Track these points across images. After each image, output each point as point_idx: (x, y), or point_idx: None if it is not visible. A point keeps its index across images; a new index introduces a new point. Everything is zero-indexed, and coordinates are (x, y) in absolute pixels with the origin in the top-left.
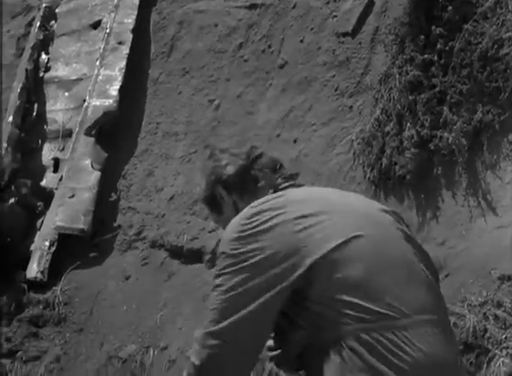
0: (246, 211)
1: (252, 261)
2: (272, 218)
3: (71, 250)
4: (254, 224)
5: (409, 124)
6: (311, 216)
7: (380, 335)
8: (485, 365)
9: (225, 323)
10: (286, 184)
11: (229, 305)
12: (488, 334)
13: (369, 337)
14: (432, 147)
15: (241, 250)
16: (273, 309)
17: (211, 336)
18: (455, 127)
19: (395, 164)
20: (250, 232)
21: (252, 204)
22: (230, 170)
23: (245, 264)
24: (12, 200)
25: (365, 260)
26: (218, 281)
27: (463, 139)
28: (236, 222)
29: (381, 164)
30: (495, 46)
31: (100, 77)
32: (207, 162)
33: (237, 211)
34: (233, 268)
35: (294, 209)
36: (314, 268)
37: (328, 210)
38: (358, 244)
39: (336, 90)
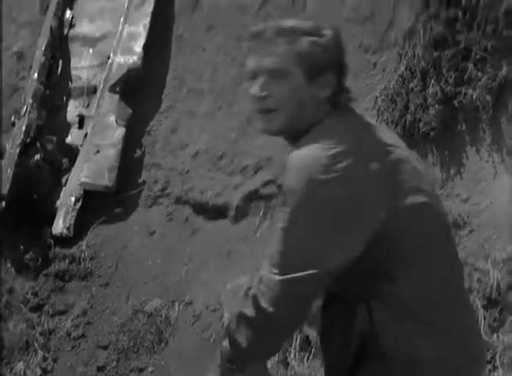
0: (324, 149)
1: (343, 208)
2: (357, 162)
3: (96, 206)
4: (341, 166)
5: (433, 81)
6: (399, 164)
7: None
8: (509, 321)
9: (310, 271)
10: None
11: (314, 251)
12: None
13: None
14: (456, 104)
15: (329, 194)
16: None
17: (296, 283)
18: (479, 83)
19: (419, 120)
20: (336, 175)
21: (326, 142)
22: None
23: (333, 210)
24: (37, 157)
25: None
26: (293, 221)
27: (487, 96)
28: (315, 159)
29: (405, 121)
30: None
31: (125, 34)
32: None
33: (301, 105)
34: (319, 213)
35: (377, 152)
36: (393, 214)
37: (406, 158)
38: (425, 211)
39: (360, 46)
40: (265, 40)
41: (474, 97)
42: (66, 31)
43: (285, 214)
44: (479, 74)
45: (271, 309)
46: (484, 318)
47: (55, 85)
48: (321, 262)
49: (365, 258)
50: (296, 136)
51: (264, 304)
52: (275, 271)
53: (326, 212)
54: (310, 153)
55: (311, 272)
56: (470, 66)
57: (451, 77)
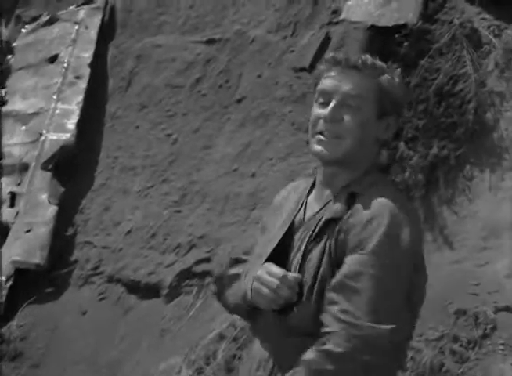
0: (408, 203)
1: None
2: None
3: (28, 284)
4: (418, 220)
5: None
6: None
7: None
8: None
9: (411, 318)
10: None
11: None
12: (444, 368)
13: None
14: None
15: (421, 243)
16: None
17: (402, 332)
18: (411, 162)
19: None
20: (419, 227)
21: (404, 197)
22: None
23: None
24: None
25: None
26: (393, 267)
27: (419, 174)
28: (409, 211)
29: None
30: (451, 82)
31: (57, 111)
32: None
33: (362, 140)
34: (412, 260)
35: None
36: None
37: None
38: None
39: (293, 125)
40: (350, 67)
41: (405, 176)
42: None
43: (380, 259)
44: (410, 152)
45: (379, 361)
46: None
47: None
48: (418, 308)
49: None
50: (339, 168)
51: (368, 356)
52: (374, 320)
53: (417, 259)
54: (403, 206)
55: (411, 318)
56: (402, 144)
57: (383, 155)
